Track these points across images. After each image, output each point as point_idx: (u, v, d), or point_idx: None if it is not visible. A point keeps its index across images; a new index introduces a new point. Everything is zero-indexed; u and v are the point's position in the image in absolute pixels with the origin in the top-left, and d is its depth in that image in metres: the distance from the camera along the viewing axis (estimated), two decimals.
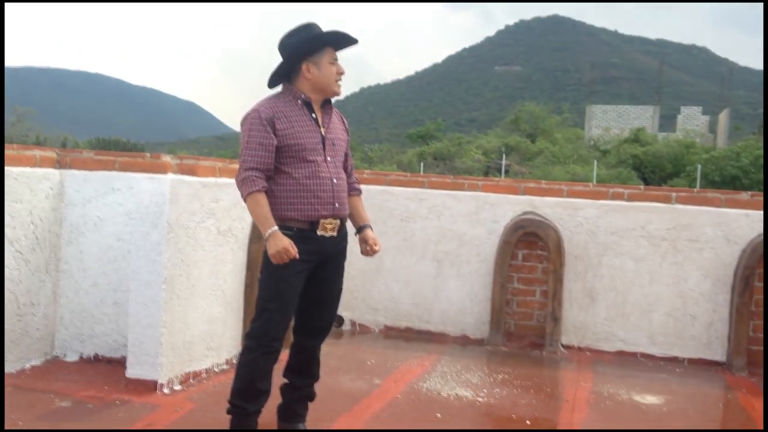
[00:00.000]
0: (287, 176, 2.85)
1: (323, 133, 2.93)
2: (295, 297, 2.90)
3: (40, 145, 4.36)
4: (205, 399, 3.55)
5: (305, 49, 2.87)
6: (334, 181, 2.91)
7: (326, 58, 2.89)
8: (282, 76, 2.94)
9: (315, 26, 2.93)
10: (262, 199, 2.80)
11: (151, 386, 3.55)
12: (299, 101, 2.91)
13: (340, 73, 2.94)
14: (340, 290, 3.11)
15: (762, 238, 4.62)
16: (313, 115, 2.93)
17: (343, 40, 2.95)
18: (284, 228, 2.83)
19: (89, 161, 4.11)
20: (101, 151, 4.24)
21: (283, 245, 2.74)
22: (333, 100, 3.03)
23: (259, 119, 2.83)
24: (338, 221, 2.94)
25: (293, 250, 2.75)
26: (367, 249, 3.09)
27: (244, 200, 2.84)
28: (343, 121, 3.12)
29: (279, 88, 2.98)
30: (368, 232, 3.10)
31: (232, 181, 4.03)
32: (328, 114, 2.99)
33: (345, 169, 3.09)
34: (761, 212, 4.75)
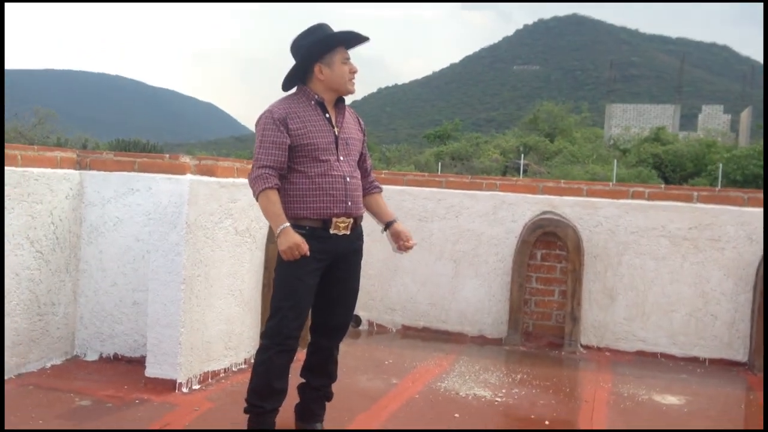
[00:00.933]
0: (301, 175, 2.86)
1: (336, 132, 2.92)
2: (309, 295, 2.90)
3: (60, 147, 4.40)
4: (224, 398, 3.56)
5: (317, 50, 2.87)
6: (347, 179, 2.90)
7: (338, 58, 2.89)
8: (296, 77, 2.95)
9: (326, 27, 2.94)
10: (274, 196, 2.81)
11: (170, 385, 3.57)
12: (312, 102, 2.92)
13: (353, 71, 2.94)
14: (356, 290, 3.10)
15: None
16: (327, 115, 2.93)
17: (354, 39, 2.94)
18: (297, 227, 2.84)
19: (109, 162, 4.14)
20: (121, 152, 4.27)
21: (293, 241, 2.74)
22: (348, 99, 3.04)
23: (272, 119, 2.85)
24: (351, 220, 2.93)
25: (304, 247, 2.75)
26: (402, 244, 3.08)
27: (256, 198, 2.85)
28: (359, 121, 3.12)
29: (293, 90, 2.98)
30: (398, 226, 3.09)
31: None
32: (341, 113, 2.99)
33: (363, 169, 3.09)
34: None
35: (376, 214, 3.15)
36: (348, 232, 2.92)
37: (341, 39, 2.91)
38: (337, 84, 2.92)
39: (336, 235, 2.89)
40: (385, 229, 3.13)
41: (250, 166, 4.16)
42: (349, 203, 2.90)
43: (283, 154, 2.83)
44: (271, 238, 4.19)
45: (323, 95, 2.93)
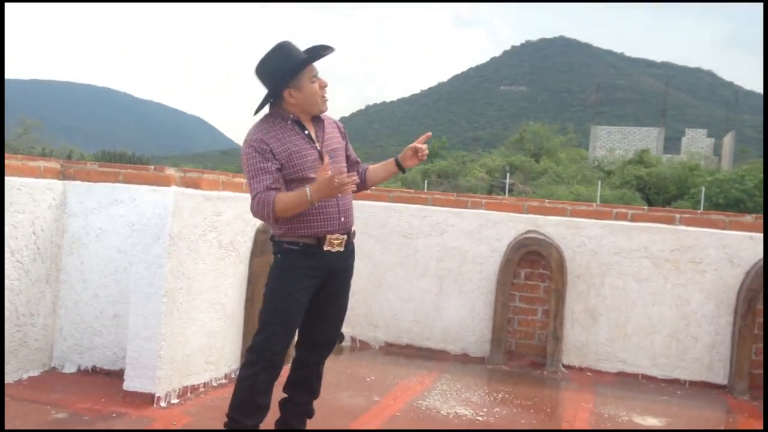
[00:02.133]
0: None
1: (319, 147, 2.88)
2: (300, 313, 2.88)
3: (45, 157, 4.37)
4: (203, 413, 3.53)
5: (283, 76, 2.79)
6: (339, 196, 2.88)
7: (306, 79, 2.81)
8: (267, 101, 2.89)
9: (287, 47, 2.83)
10: (283, 196, 2.70)
11: (148, 399, 3.53)
12: (288, 122, 2.86)
13: (323, 87, 2.87)
14: (345, 307, 3.08)
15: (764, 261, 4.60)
16: (306, 132, 2.88)
17: (318, 55, 2.85)
18: (291, 243, 2.82)
19: (93, 173, 4.12)
20: (106, 163, 4.25)
21: (323, 178, 2.60)
22: (336, 116, 3.02)
23: (253, 149, 2.77)
24: (345, 236, 2.92)
25: (332, 173, 2.61)
26: (418, 150, 3.01)
27: (276, 218, 2.73)
28: (337, 126, 3.06)
29: (266, 111, 2.91)
30: (403, 155, 3.05)
31: (235, 194, 4.05)
32: (320, 126, 2.94)
33: (351, 167, 3.07)
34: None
35: (384, 174, 3.12)
36: (342, 249, 2.91)
37: (306, 60, 2.81)
38: (308, 105, 2.85)
39: (330, 252, 2.87)
40: (403, 170, 3.08)
41: (235, 180, 4.17)
42: (342, 219, 2.89)
43: (272, 177, 2.74)
44: (256, 251, 4.17)
45: (298, 114, 2.87)
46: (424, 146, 3.05)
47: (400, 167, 3.08)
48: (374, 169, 3.16)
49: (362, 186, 3.15)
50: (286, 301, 2.82)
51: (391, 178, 3.20)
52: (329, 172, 2.61)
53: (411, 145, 3.05)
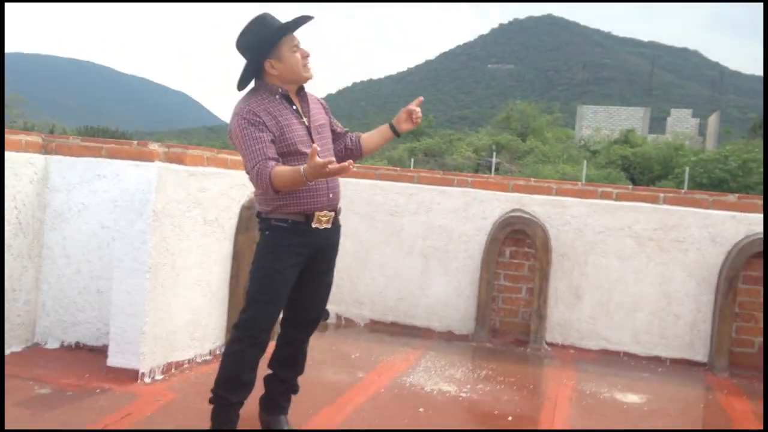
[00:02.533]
0: None
1: (307, 122, 2.87)
2: (287, 290, 2.86)
3: (26, 131, 4.31)
4: (187, 389, 3.53)
5: (262, 47, 2.76)
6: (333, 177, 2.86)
7: (285, 48, 2.78)
8: (250, 74, 2.85)
9: (266, 18, 2.80)
10: (280, 170, 2.63)
11: (132, 375, 3.53)
12: (277, 96, 2.83)
13: (305, 56, 2.84)
14: (330, 284, 3.08)
15: (749, 240, 4.64)
16: (294, 107, 2.86)
17: (294, 23, 2.81)
18: (279, 220, 2.80)
19: (75, 147, 4.07)
20: (88, 138, 4.20)
21: (316, 164, 2.49)
22: (322, 93, 2.99)
23: (247, 121, 2.73)
24: (332, 213, 2.91)
25: (324, 161, 2.51)
26: (411, 113, 3.01)
27: (274, 189, 2.66)
28: (320, 102, 3.04)
29: (252, 86, 2.88)
30: (396, 118, 3.04)
31: (220, 170, 4.02)
32: (305, 101, 2.92)
33: (339, 138, 3.06)
34: (748, 214, 4.77)
35: (379, 140, 3.11)
36: (329, 226, 2.89)
37: (285, 28, 2.78)
38: (291, 74, 2.82)
39: (317, 229, 2.85)
40: (397, 134, 3.07)
41: (220, 156, 4.14)
42: (331, 195, 2.87)
43: (267, 146, 2.69)
44: (241, 228, 4.15)
45: (285, 87, 2.85)
46: (418, 109, 3.04)
47: (395, 131, 3.07)
48: (368, 136, 3.13)
49: (359, 154, 3.13)
50: (274, 278, 2.81)
51: (385, 144, 3.18)
52: (319, 159, 2.53)
53: (405, 108, 3.04)
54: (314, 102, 2.99)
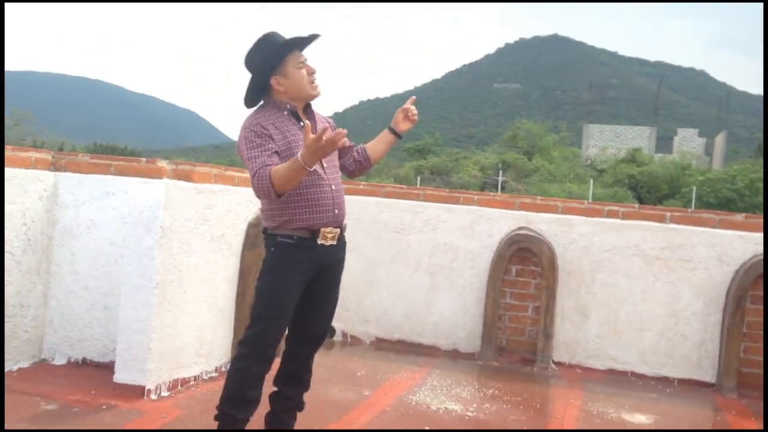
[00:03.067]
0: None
1: None
2: (293, 306, 2.87)
3: (36, 148, 4.36)
4: (193, 406, 3.53)
5: (268, 64, 2.80)
6: (333, 187, 2.89)
7: (291, 65, 2.82)
8: (257, 93, 2.89)
9: (272, 36, 2.84)
10: (276, 169, 2.62)
11: (138, 392, 3.53)
12: (285, 112, 2.86)
13: (311, 73, 2.87)
14: (336, 300, 3.08)
15: (757, 260, 4.63)
16: (301, 123, 2.88)
17: (303, 41, 2.86)
18: (285, 237, 2.81)
19: (84, 164, 4.10)
20: (97, 155, 4.24)
21: (310, 142, 2.48)
22: (328, 111, 3.02)
23: (253, 132, 2.75)
24: (338, 230, 2.92)
25: (317, 135, 2.49)
26: (407, 111, 3.04)
27: (277, 192, 2.64)
28: (328, 122, 3.07)
29: (261, 103, 2.91)
30: (394, 122, 3.07)
31: (227, 188, 4.05)
32: (312, 118, 2.94)
33: (347, 153, 3.08)
34: (755, 234, 4.76)
35: (383, 146, 3.12)
36: (334, 242, 2.91)
37: (290, 45, 2.82)
38: (297, 92, 2.85)
39: (323, 245, 2.86)
40: (398, 135, 3.08)
41: (228, 173, 4.17)
42: (336, 211, 2.89)
43: (271, 156, 2.69)
44: (247, 245, 4.17)
45: (292, 104, 2.88)
46: (413, 107, 3.07)
47: (395, 133, 3.09)
48: (372, 144, 3.15)
49: (367, 164, 3.14)
50: (280, 294, 2.82)
51: (390, 148, 3.20)
52: (312, 134, 2.51)
53: (400, 108, 3.07)
54: (321, 120, 3.02)
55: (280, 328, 2.86)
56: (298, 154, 2.56)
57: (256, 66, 2.83)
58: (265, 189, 2.65)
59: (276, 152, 2.73)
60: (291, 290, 2.82)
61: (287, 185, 2.65)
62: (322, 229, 2.84)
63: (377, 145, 3.15)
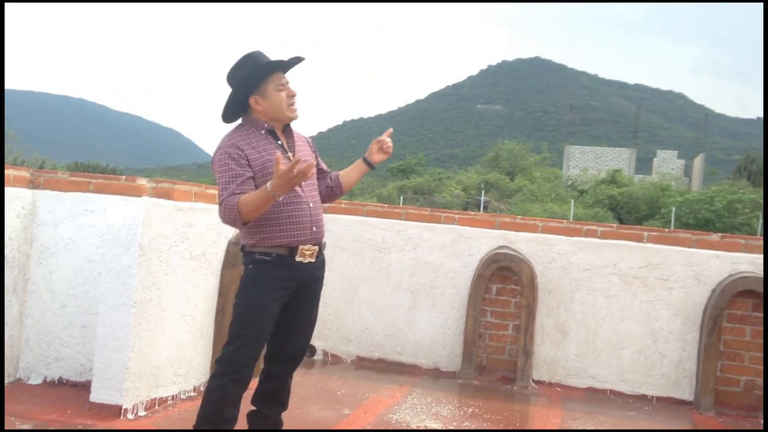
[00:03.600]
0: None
1: (291, 157, 2.90)
2: (271, 324, 2.87)
3: (15, 166, 4.33)
4: (171, 425, 3.49)
5: (248, 83, 2.83)
6: (311, 204, 2.90)
7: (272, 86, 2.84)
8: (236, 109, 2.91)
9: (256, 55, 2.87)
10: (245, 197, 2.66)
11: (115, 411, 3.49)
12: (263, 131, 2.88)
13: (291, 96, 2.89)
14: (315, 319, 3.09)
15: (733, 279, 4.68)
16: (279, 142, 2.91)
17: (286, 64, 2.89)
18: (264, 254, 2.82)
19: (63, 182, 4.08)
20: (76, 173, 4.22)
21: (281, 172, 2.53)
22: (312, 131, 3.05)
23: (227, 155, 2.78)
24: (317, 247, 2.93)
25: (289, 165, 2.54)
26: (381, 143, 3.06)
27: (243, 220, 2.69)
28: (307, 141, 3.10)
29: (239, 121, 2.94)
30: (369, 152, 3.09)
31: (208, 206, 4.04)
32: (291, 138, 2.97)
33: (323, 176, 3.11)
34: (731, 253, 4.82)
35: (356, 175, 3.15)
36: (313, 260, 2.91)
37: (273, 66, 2.85)
38: (275, 113, 2.87)
39: (302, 262, 2.87)
40: (371, 166, 3.11)
41: (208, 191, 4.16)
42: (314, 228, 2.90)
43: (241, 183, 2.73)
44: (228, 264, 4.15)
45: (270, 123, 2.90)
46: (388, 139, 3.10)
47: (369, 164, 3.12)
48: (345, 173, 3.18)
49: (339, 192, 3.17)
50: (257, 312, 2.82)
51: (362, 177, 3.23)
52: (283, 166, 2.55)
53: (375, 139, 3.10)
54: (300, 139, 3.04)
55: (257, 347, 2.85)
56: (268, 184, 2.59)
57: (237, 83, 2.85)
58: (232, 218, 2.70)
59: (250, 178, 2.75)
60: (268, 308, 2.82)
61: (254, 214, 2.69)
62: (300, 247, 2.85)
63: (350, 173, 3.17)
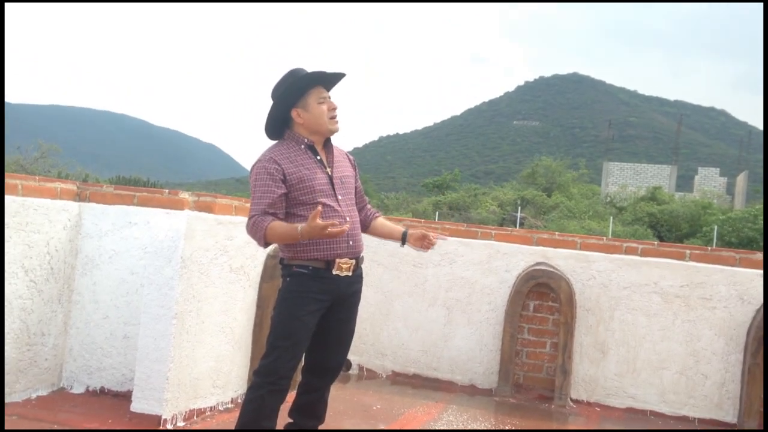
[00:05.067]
0: (302, 219, 2.80)
1: (330, 173, 2.95)
2: (308, 336, 2.89)
3: (62, 179, 4.46)
4: None
5: (291, 96, 2.89)
6: (347, 219, 2.93)
7: (313, 99, 2.90)
8: (279, 125, 2.98)
9: (297, 71, 2.94)
10: (276, 225, 2.75)
11: (155, 421, 3.54)
12: (302, 146, 2.94)
13: (332, 109, 2.94)
14: (352, 332, 3.10)
15: None
16: (318, 157, 2.95)
17: (326, 78, 2.93)
18: (300, 267, 2.85)
19: (108, 195, 4.18)
20: (121, 186, 4.32)
21: (316, 224, 2.61)
22: (348, 147, 3.09)
23: (264, 169, 2.84)
24: (354, 261, 2.95)
25: (324, 224, 2.61)
26: (426, 243, 3.05)
27: (264, 243, 2.80)
28: (348, 157, 3.14)
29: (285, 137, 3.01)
30: (414, 232, 3.09)
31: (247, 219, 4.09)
32: (331, 153, 3.01)
33: (360, 203, 3.13)
34: None
35: (387, 234, 3.17)
36: (350, 273, 2.93)
37: (314, 80, 2.90)
38: (317, 125, 2.92)
39: (338, 276, 2.90)
40: (403, 243, 3.11)
41: (248, 205, 4.23)
42: (351, 242, 2.92)
43: (273, 202, 2.80)
44: (266, 277, 4.20)
45: (311, 138, 2.95)
46: (433, 237, 3.08)
47: (403, 240, 3.12)
48: (382, 223, 3.21)
49: (363, 229, 3.17)
50: (294, 324, 2.84)
51: (387, 240, 3.24)
52: (320, 221, 2.63)
53: (425, 230, 3.10)
54: (341, 155, 3.08)
55: (294, 359, 2.87)
56: (299, 227, 2.69)
57: (279, 96, 2.92)
58: (257, 236, 2.80)
59: (283, 194, 2.82)
60: (305, 320, 2.84)
61: (277, 241, 2.81)
62: (337, 260, 2.87)
63: (384, 228, 3.19)
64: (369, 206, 3.22)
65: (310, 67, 3.19)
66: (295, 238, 2.72)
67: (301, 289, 2.86)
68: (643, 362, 4.87)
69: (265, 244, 2.82)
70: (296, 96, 2.90)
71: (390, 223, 3.22)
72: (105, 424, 3.53)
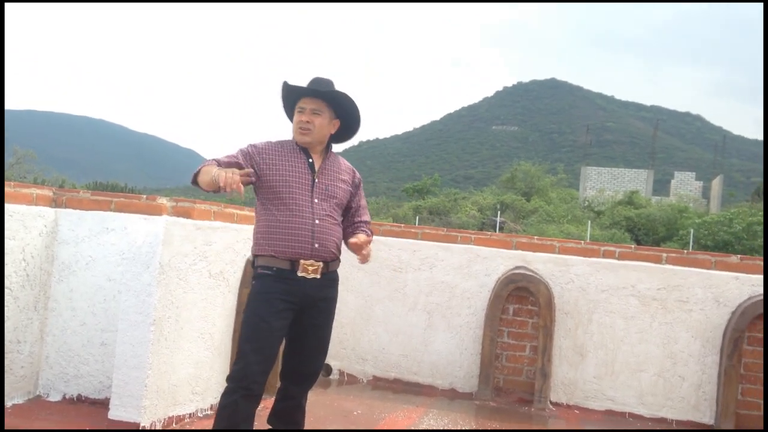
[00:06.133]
0: (269, 214, 2.91)
1: (316, 176, 2.98)
2: (274, 339, 2.88)
3: (38, 185, 4.41)
4: None
5: (285, 106, 3.08)
6: (316, 222, 2.92)
7: (296, 110, 3.04)
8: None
9: (285, 83, 3.05)
10: (210, 165, 2.83)
11: (133, 429, 3.50)
12: (296, 147, 3.04)
13: (300, 121, 2.99)
14: (328, 338, 3.09)
15: (754, 301, 4.64)
16: (310, 161, 3.00)
17: (298, 88, 3.01)
18: (265, 268, 2.86)
19: (85, 201, 4.14)
20: (98, 191, 4.28)
21: (230, 170, 2.69)
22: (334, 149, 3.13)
23: (240, 149, 3.00)
24: (321, 264, 2.93)
25: (236, 176, 2.66)
26: (359, 252, 3.02)
27: (194, 178, 2.86)
28: (354, 173, 3.15)
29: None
30: (352, 239, 3.03)
31: (226, 225, 4.08)
32: (328, 162, 3.06)
33: (351, 218, 3.13)
34: (751, 275, 4.78)
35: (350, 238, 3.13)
36: (317, 276, 2.92)
37: (290, 91, 3.02)
38: (294, 134, 3.05)
39: (304, 278, 2.89)
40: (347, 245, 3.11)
41: (227, 210, 4.21)
42: (316, 245, 2.91)
43: (230, 162, 2.89)
44: (245, 282, 4.18)
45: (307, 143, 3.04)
46: (361, 259, 3.05)
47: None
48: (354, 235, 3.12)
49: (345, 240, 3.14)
50: (260, 326, 2.84)
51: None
52: (235, 175, 2.66)
53: (359, 245, 3.01)
54: (336, 167, 3.09)
55: (263, 362, 2.85)
56: (218, 169, 2.73)
57: (283, 107, 3.12)
58: (193, 173, 2.87)
59: (237, 163, 2.89)
60: (270, 322, 2.83)
61: (201, 178, 2.82)
62: (302, 261, 2.87)
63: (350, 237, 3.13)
64: (362, 225, 3.16)
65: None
66: (210, 174, 2.75)
67: (266, 290, 2.86)
68: (622, 365, 4.92)
69: (194, 180, 2.88)
70: (287, 105, 3.08)
71: (359, 232, 3.15)
72: None
